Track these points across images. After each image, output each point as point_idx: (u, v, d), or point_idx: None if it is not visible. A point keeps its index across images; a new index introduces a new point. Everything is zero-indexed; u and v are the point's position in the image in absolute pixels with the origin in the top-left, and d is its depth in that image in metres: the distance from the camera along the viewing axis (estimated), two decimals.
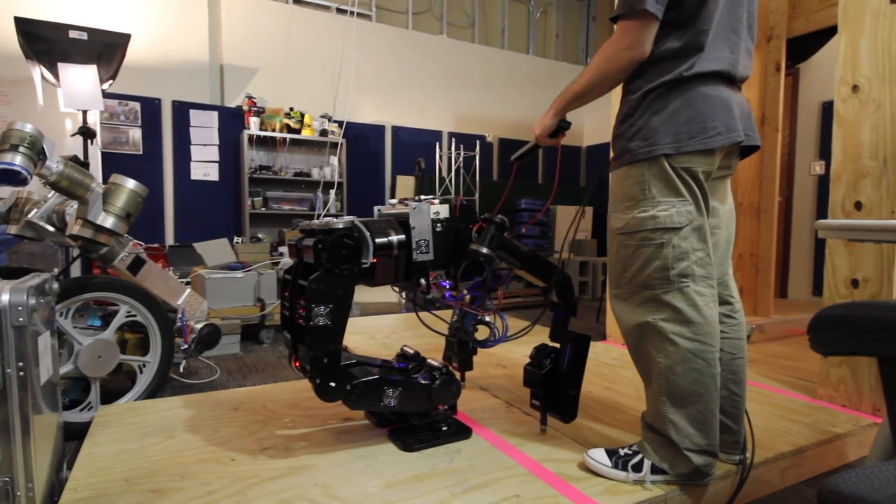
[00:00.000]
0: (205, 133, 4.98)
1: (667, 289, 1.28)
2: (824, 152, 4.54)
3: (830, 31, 2.91)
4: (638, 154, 1.29)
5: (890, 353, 0.46)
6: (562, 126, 1.48)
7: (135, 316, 2.02)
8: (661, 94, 1.27)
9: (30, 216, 1.99)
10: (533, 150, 1.61)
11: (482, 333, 1.80)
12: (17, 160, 1.61)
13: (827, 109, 4.45)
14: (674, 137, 1.25)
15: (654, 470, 1.34)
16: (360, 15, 5.63)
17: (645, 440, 1.38)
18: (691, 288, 1.27)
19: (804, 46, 3.29)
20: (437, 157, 5.73)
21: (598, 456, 1.41)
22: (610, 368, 2.44)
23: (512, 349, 2.64)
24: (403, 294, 1.73)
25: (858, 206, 1.88)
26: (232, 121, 5.07)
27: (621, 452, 1.40)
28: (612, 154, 1.42)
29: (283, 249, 3.84)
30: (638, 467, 1.35)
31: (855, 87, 1.90)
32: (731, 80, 1.32)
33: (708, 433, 1.30)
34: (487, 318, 1.76)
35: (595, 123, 7.04)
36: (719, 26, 1.27)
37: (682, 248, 1.27)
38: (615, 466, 1.37)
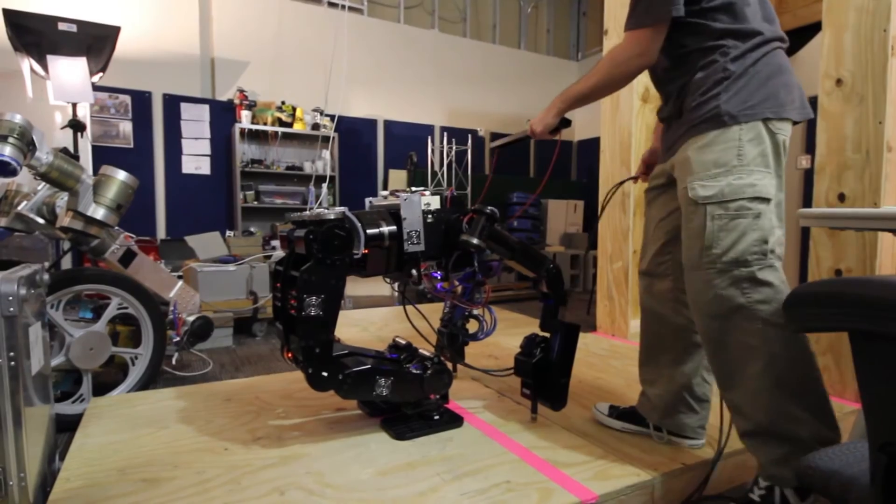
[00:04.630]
0: (196, 126, 4.96)
1: (763, 264, 1.18)
2: (810, 147, 4.58)
3: (816, 27, 2.94)
4: (738, 116, 1.21)
5: (860, 327, 0.48)
6: (562, 124, 1.50)
7: (126, 308, 2.02)
8: (755, 60, 1.23)
9: (19, 208, 1.98)
10: (517, 141, 1.64)
11: (473, 326, 1.82)
12: (7, 151, 1.60)
13: (812, 104, 4.50)
14: (774, 101, 1.21)
15: (803, 494, 1.16)
16: (351, 9, 5.61)
17: (768, 463, 1.19)
18: (778, 265, 1.20)
19: (791, 42, 3.31)
20: (430, 151, 5.74)
21: None
22: (600, 359, 2.47)
23: (503, 340, 2.66)
24: (395, 286, 1.74)
25: (842, 197, 1.91)
26: (223, 114, 5.05)
27: (755, 498, 1.21)
28: (685, 124, 1.30)
29: (276, 243, 3.84)
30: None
31: (839, 81, 1.93)
32: (783, 42, 1.31)
33: (832, 420, 1.17)
34: (476, 312, 1.78)
35: (586, 118, 7.06)
36: None
37: (772, 221, 1.20)
38: None
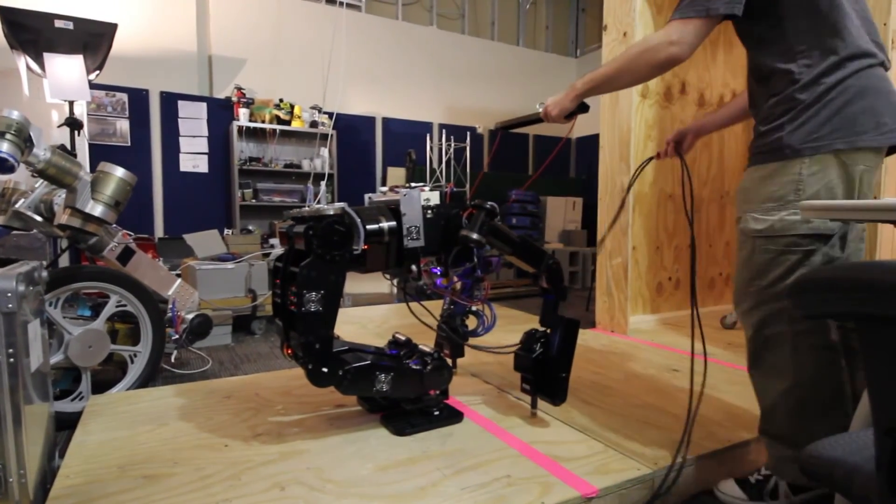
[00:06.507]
0: (193, 124, 4.95)
1: None
2: None
3: None
4: (801, 150, 1.15)
5: (868, 311, 0.48)
6: (580, 109, 1.44)
7: (125, 306, 2.01)
8: (830, 86, 1.14)
9: (17, 206, 1.97)
10: (527, 123, 1.58)
11: (472, 323, 1.82)
12: (4, 147, 1.60)
13: None
14: (848, 130, 1.13)
15: (795, 490, 1.24)
16: (349, 5, 5.59)
17: (774, 458, 1.28)
18: None
19: None
20: (428, 148, 5.73)
21: (731, 489, 1.33)
22: (600, 354, 2.47)
23: (503, 337, 2.66)
24: (395, 283, 1.74)
25: None
26: (221, 112, 5.04)
27: (752, 480, 1.31)
28: (751, 151, 1.30)
29: (274, 241, 3.83)
30: (774, 494, 1.26)
31: None
32: (883, 63, 1.19)
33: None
34: (475, 308, 1.77)
35: (584, 115, 7.06)
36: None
37: (829, 256, 1.17)
38: (752, 499, 1.29)
